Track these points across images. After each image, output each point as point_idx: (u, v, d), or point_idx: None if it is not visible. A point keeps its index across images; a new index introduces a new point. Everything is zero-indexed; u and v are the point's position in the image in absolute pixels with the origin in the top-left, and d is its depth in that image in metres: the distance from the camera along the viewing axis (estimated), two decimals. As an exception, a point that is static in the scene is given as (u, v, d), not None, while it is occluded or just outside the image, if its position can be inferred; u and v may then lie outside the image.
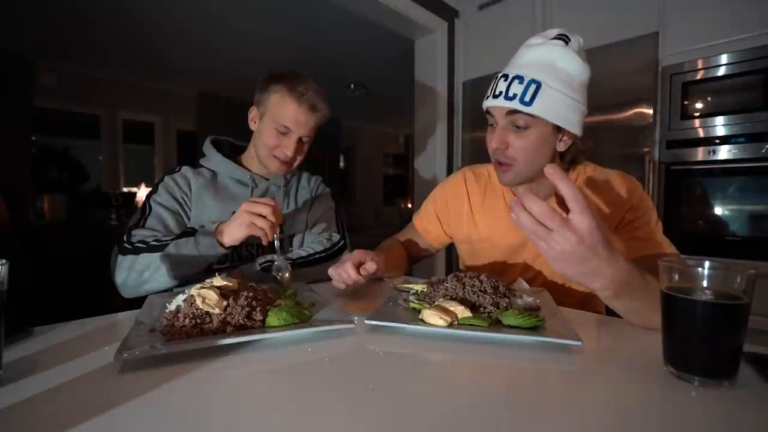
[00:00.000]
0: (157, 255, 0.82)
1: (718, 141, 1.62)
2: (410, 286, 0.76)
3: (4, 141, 3.27)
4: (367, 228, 5.36)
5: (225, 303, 0.57)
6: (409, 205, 6.06)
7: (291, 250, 1.04)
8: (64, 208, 3.62)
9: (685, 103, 1.68)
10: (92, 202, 3.93)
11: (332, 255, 1.03)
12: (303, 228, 1.10)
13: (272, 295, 0.67)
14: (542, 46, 0.78)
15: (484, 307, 0.63)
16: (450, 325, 0.57)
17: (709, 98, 1.64)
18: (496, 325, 0.59)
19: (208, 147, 1.06)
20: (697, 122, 1.66)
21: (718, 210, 1.66)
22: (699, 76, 1.65)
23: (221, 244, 0.83)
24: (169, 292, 0.81)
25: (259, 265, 0.94)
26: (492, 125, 0.84)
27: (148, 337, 0.52)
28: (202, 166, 1.05)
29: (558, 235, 0.49)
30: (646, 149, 1.75)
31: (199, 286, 0.60)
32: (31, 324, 0.59)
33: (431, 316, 0.58)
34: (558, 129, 0.80)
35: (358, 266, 0.79)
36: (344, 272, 0.79)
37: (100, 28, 3.03)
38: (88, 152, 4.20)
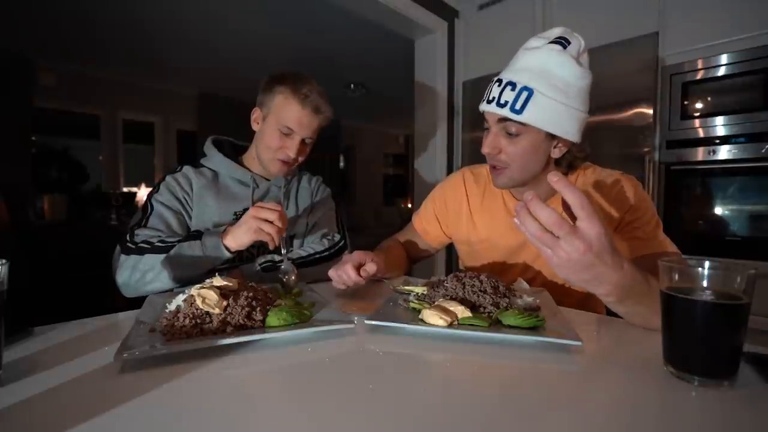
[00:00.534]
0: (161, 256, 0.82)
1: (718, 141, 1.61)
2: (410, 288, 0.76)
3: (4, 141, 3.27)
4: (367, 228, 5.36)
5: (225, 303, 0.57)
6: (409, 205, 6.06)
7: (291, 250, 1.05)
8: (64, 208, 3.62)
9: (685, 103, 1.68)
10: (92, 202, 3.93)
11: (332, 255, 1.03)
12: (303, 228, 1.10)
13: (272, 295, 0.67)
14: (539, 51, 0.76)
15: (484, 307, 0.63)
16: (450, 325, 0.57)
17: (709, 98, 1.64)
18: (496, 325, 0.59)
19: (209, 147, 1.06)
20: (697, 122, 1.66)
21: (718, 210, 1.66)
22: (699, 76, 1.65)
23: (227, 248, 0.83)
24: (170, 292, 0.81)
25: (259, 265, 0.94)
26: (487, 128, 0.84)
27: (148, 337, 0.52)
28: (203, 165, 1.05)
29: (565, 242, 0.48)
30: (646, 149, 1.75)
31: (199, 286, 0.60)
32: (31, 324, 0.59)
33: (431, 316, 0.58)
34: (552, 136, 0.79)
35: (358, 267, 0.79)
36: (344, 273, 0.79)
37: (100, 28, 3.03)
38: (88, 152, 4.20)
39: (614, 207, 0.84)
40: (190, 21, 2.93)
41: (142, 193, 4.19)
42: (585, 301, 0.90)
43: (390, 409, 0.38)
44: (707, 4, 1.64)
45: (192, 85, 4.51)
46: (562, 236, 0.48)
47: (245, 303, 0.58)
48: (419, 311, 0.62)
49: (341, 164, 6.55)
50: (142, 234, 0.87)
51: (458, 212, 1.04)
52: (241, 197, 1.02)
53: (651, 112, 1.74)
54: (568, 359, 0.51)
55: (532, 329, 0.56)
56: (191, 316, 0.54)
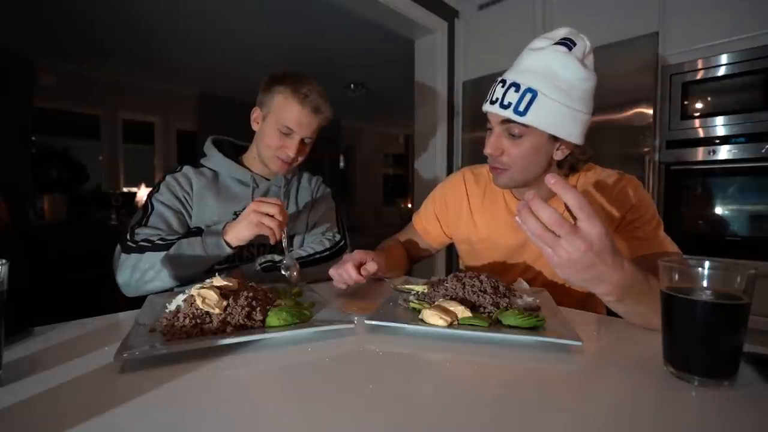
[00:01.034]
0: (161, 254, 0.82)
1: (718, 141, 1.61)
2: (411, 287, 0.76)
3: (4, 141, 3.27)
4: (367, 228, 5.36)
5: (225, 303, 0.57)
6: (409, 205, 6.06)
7: (291, 250, 1.05)
8: (64, 208, 3.61)
9: (685, 103, 1.68)
10: (92, 202, 3.93)
11: (333, 255, 1.03)
12: (304, 228, 1.10)
13: (272, 295, 0.67)
14: (544, 52, 0.76)
15: (484, 307, 0.63)
16: (450, 325, 0.57)
17: (709, 98, 1.64)
18: (496, 325, 0.59)
19: (209, 147, 1.06)
20: (697, 122, 1.66)
21: (718, 210, 1.66)
22: (699, 76, 1.65)
23: (228, 245, 0.83)
24: (170, 292, 0.81)
25: (260, 265, 0.94)
26: (489, 129, 0.84)
27: (148, 337, 0.52)
28: (203, 165, 1.05)
29: (566, 242, 0.48)
30: (646, 149, 1.75)
31: (199, 286, 0.60)
32: (31, 324, 0.59)
33: (431, 316, 0.58)
34: (555, 138, 0.78)
35: (358, 267, 0.79)
36: (345, 273, 0.79)
37: (99, 28, 3.03)
38: (88, 152, 4.20)
39: (615, 207, 0.84)
40: (190, 21, 2.93)
41: (142, 193, 4.18)
42: (585, 301, 0.90)
43: (390, 409, 0.38)
44: (707, 4, 1.64)
45: (192, 85, 4.51)
46: (563, 235, 0.48)
47: (245, 303, 0.58)
48: (419, 311, 0.62)
49: (341, 164, 6.55)
50: (142, 233, 0.87)
51: (459, 212, 1.04)
52: (241, 197, 1.02)
53: (651, 112, 1.74)
54: (568, 359, 0.51)
55: (532, 329, 0.56)
56: (191, 316, 0.54)
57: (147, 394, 0.40)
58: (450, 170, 2.53)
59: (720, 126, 1.61)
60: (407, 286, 0.77)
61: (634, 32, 1.79)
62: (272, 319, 0.57)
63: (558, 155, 0.82)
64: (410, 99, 2.64)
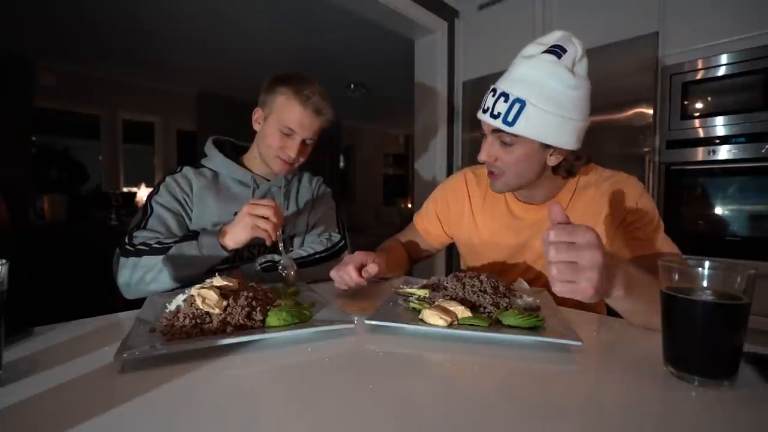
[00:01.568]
0: (159, 257, 0.82)
1: (718, 141, 1.61)
2: (412, 290, 0.75)
3: (4, 141, 3.27)
4: (367, 228, 5.36)
5: (225, 303, 0.57)
6: (409, 205, 6.06)
7: (291, 250, 1.05)
8: (64, 208, 3.61)
9: (685, 103, 1.68)
10: (92, 202, 3.93)
11: (333, 255, 1.03)
12: (304, 228, 1.10)
13: (272, 295, 0.67)
14: (533, 61, 0.76)
15: (484, 307, 0.63)
16: (450, 325, 0.57)
17: (709, 98, 1.64)
18: (496, 325, 0.59)
19: (210, 147, 1.06)
20: (697, 122, 1.66)
21: (718, 210, 1.66)
22: (699, 76, 1.65)
23: (224, 247, 0.83)
24: (170, 292, 0.81)
25: (259, 265, 0.94)
26: (484, 135, 0.85)
27: (148, 337, 0.52)
28: (203, 166, 1.05)
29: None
30: (646, 149, 1.75)
31: (199, 286, 0.60)
32: (31, 324, 0.59)
33: (431, 316, 0.58)
34: (546, 145, 0.79)
35: (359, 268, 0.79)
36: (346, 275, 0.79)
37: (99, 28, 3.03)
38: (88, 152, 4.20)
39: (616, 206, 0.84)
40: (190, 21, 2.93)
41: (142, 193, 4.18)
42: (585, 301, 0.90)
43: (390, 409, 0.38)
44: (707, 4, 1.64)
45: (192, 85, 4.51)
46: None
47: (245, 303, 0.58)
48: (419, 311, 0.62)
49: (341, 164, 6.55)
50: (140, 236, 0.87)
51: (460, 213, 1.04)
52: (241, 198, 1.02)
53: (651, 112, 1.74)
54: (568, 359, 0.51)
55: (532, 329, 0.56)
56: (191, 316, 0.54)
57: (147, 394, 0.40)
58: (450, 170, 2.53)
59: (720, 126, 1.61)
60: (408, 290, 0.76)
61: (634, 32, 1.79)
62: (272, 319, 0.57)
63: (552, 161, 0.82)
64: (410, 99, 2.64)
